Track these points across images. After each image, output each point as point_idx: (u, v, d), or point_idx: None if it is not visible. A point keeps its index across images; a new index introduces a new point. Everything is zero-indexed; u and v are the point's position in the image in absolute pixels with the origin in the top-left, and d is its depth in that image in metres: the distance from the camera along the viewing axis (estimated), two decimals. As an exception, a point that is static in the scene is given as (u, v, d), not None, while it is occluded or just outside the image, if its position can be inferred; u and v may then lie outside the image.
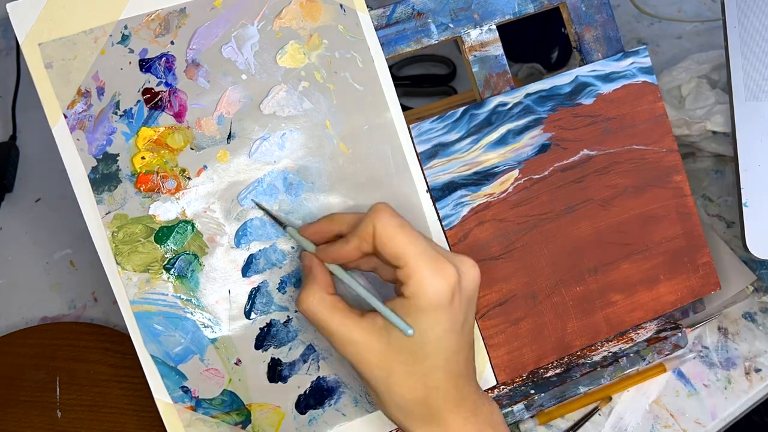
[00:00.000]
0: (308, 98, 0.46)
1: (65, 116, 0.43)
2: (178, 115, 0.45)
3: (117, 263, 0.44)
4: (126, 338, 0.52)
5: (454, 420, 0.38)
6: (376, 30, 0.47)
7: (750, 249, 0.53)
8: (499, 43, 0.49)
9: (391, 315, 0.37)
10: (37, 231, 0.64)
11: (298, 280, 0.46)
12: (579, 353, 0.51)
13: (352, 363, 0.39)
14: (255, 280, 0.46)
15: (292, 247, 0.46)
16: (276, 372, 0.46)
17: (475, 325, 0.47)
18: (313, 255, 0.41)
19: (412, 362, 0.37)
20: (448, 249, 0.48)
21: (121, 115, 0.44)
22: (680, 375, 0.53)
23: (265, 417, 0.46)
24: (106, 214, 0.44)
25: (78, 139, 0.44)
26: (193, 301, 0.45)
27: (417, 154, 0.48)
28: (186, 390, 0.45)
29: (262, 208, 0.45)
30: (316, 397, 0.46)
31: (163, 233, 0.44)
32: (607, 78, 0.50)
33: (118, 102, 0.44)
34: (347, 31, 0.47)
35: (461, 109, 0.48)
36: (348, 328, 0.38)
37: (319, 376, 0.46)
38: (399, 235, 0.37)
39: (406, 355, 0.37)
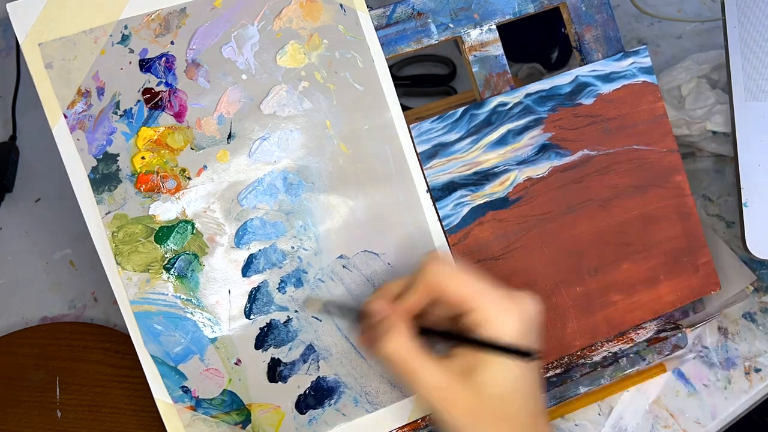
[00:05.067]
0: (308, 98, 0.46)
1: (65, 116, 0.43)
2: (178, 115, 0.45)
3: (117, 263, 0.44)
4: (126, 338, 0.51)
5: None
6: (376, 30, 0.47)
7: (750, 249, 0.53)
8: (499, 43, 0.49)
9: (507, 347, 0.37)
10: (37, 231, 0.64)
11: (298, 280, 0.46)
12: (579, 353, 0.51)
13: (438, 408, 0.38)
14: (255, 280, 0.46)
15: (292, 247, 0.46)
16: (276, 372, 0.46)
17: None
18: (389, 305, 0.40)
19: (498, 401, 0.37)
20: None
21: (121, 115, 0.44)
22: (680, 375, 0.53)
23: (265, 417, 0.46)
24: (106, 214, 0.44)
25: (78, 139, 0.44)
26: (193, 301, 0.45)
27: (417, 154, 0.48)
28: (186, 390, 0.45)
29: (334, 307, 0.45)
30: (316, 397, 0.46)
31: (163, 233, 0.44)
32: (607, 78, 0.50)
33: (118, 102, 0.44)
34: (347, 31, 0.47)
35: (461, 109, 0.48)
36: (434, 373, 0.37)
37: (319, 376, 0.46)
38: (456, 278, 0.38)
39: (491, 395, 0.37)
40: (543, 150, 0.49)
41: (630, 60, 0.51)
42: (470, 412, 0.37)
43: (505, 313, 0.37)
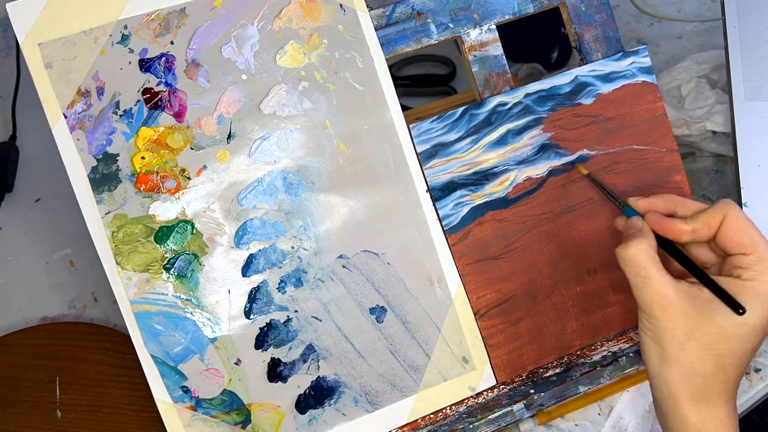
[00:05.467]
0: (308, 98, 0.46)
1: (65, 116, 0.43)
2: (178, 115, 0.45)
3: (117, 263, 0.44)
4: (126, 338, 0.52)
5: (723, 409, 0.40)
6: (376, 30, 0.47)
7: (750, 249, 0.53)
8: (499, 43, 0.49)
9: (724, 291, 0.39)
10: (37, 231, 0.64)
11: (297, 280, 0.46)
12: (579, 353, 0.51)
13: (655, 314, 0.40)
14: (255, 280, 0.46)
15: (292, 247, 0.46)
16: (276, 372, 0.46)
17: None
18: (645, 221, 0.43)
19: (717, 338, 0.39)
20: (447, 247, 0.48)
21: (121, 115, 0.44)
22: (680, 375, 0.53)
23: (265, 417, 0.46)
24: (106, 214, 0.44)
25: (78, 139, 0.44)
26: (192, 300, 0.45)
27: (417, 154, 0.48)
28: (186, 390, 0.45)
29: (597, 182, 0.48)
30: (316, 397, 0.46)
31: (162, 233, 0.44)
32: (606, 78, 0.50)
33: (118, 102, 0.44)
34: (347, 31, 0.47)
35: (461, 109, 0.48)
36: (666, 283, 0.39)
37: (319, 376, 0.47)
38: (750, 226, 0.40)
39: (714, 330, 0.39)
40: (542, 150, 0.49)
41: (630, 60, 0.51)
42: (687, 331, 0.39)
43: None
